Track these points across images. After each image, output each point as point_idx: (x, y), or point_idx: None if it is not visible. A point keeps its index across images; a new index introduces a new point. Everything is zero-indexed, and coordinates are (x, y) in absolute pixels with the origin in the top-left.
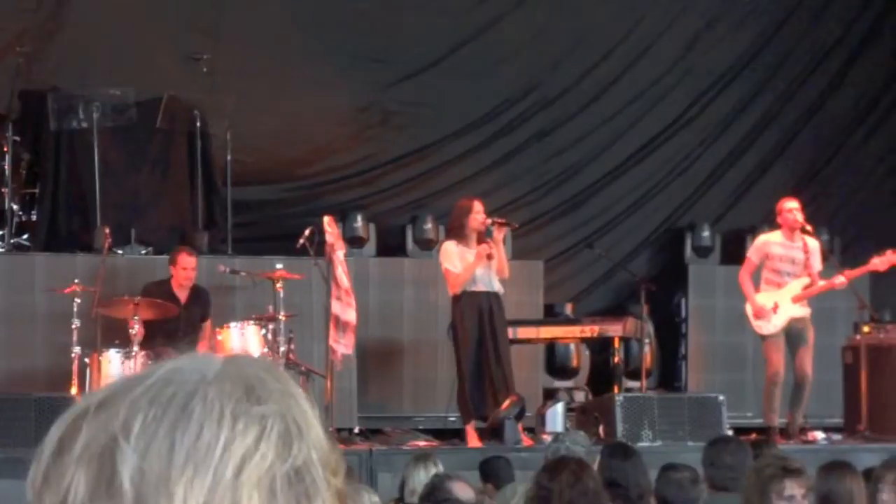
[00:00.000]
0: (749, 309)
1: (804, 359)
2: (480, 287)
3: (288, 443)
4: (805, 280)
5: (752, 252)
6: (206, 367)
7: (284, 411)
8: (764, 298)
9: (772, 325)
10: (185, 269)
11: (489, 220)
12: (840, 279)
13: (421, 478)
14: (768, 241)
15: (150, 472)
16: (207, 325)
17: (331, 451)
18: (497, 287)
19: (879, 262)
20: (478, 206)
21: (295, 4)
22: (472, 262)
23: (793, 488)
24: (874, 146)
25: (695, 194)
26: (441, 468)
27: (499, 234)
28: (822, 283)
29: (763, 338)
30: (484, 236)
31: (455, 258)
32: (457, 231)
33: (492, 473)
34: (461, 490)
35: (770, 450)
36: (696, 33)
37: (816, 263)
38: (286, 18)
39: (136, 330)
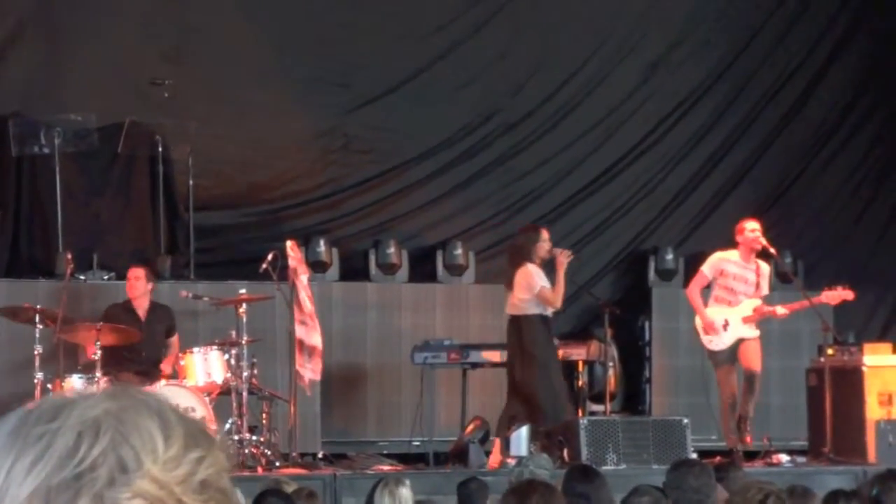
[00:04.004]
0: (698, 322)
1: (752, 357)
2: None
3: (74, 451)
4: (757, 302)
5: (707, 267)
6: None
7: (78, 423)
8: (714, 314)
9: (721, 342)
10: (130, 280)
11: (555, 250)
12: (781, 310)
13: (388, 501)
14: (724, 259)
15: None
16: (174, 340)
17: (161, 438)
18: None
19: (830, 297)
20: (545, 235)
21: (256, 30)
22: (560, 273)
23: None
24: (837, 168)
25: (658, 218)
26: (409, 489)
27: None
28: (766, 308)
29: (711, 353)
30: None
31: (543, 276)
32: (525, 258)
33: (467, 496)
34: None
35: (735, 472)
36: (659, 57)
37: (764, 287)
38: (248, 44)
39: (98, 356)
